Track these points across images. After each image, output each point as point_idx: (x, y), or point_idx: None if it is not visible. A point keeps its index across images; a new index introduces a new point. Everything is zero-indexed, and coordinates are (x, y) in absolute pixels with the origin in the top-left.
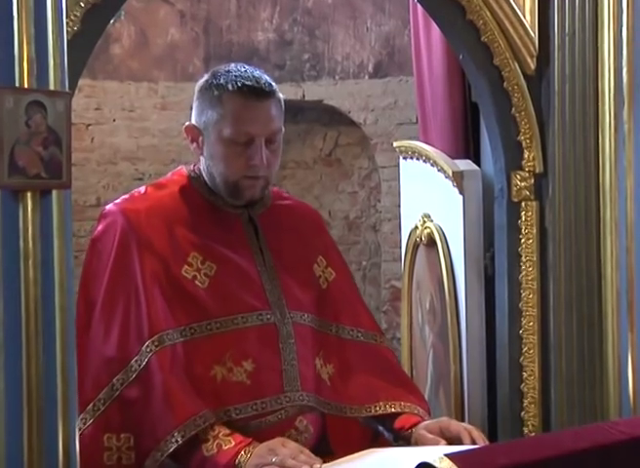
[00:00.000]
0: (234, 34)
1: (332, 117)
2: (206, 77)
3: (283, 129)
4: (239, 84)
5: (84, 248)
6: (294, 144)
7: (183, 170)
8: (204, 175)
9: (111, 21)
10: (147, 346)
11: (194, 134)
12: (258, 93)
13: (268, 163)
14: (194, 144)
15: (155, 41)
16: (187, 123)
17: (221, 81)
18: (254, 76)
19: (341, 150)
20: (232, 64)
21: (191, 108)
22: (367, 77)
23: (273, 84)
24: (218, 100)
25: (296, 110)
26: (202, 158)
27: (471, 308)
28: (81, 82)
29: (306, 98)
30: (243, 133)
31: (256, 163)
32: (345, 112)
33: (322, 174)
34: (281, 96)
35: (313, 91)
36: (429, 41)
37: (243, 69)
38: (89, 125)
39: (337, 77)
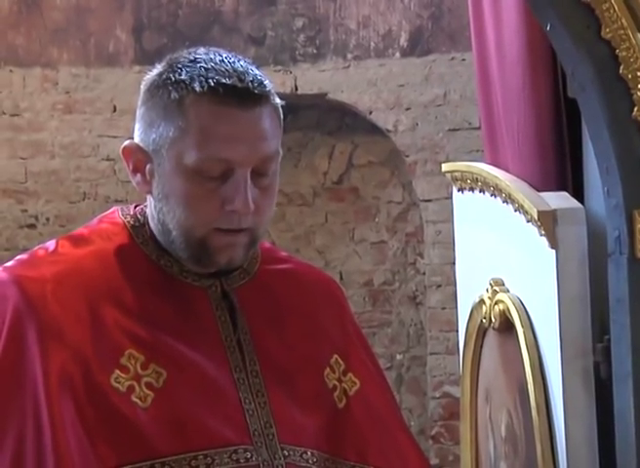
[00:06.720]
0: None
1: (342, 121)
2: (158, 69)
3: (281, 152)
4: (212, 82)
5: None
6: (281, 166)
7: (118, 215)
8: (151, 224)
9: None
10: None
11: (138, 159)
12: (242, 97)
13: (257, 207)
14: (137, 176)
15: (52, 2)
16: (127, 142)
17: (183, 76)
18: (235, 70)
19: (359, 174)
20: (201, 49)
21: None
22: (398, 55)
23: (266, 82)
24: (177, 108)
25: (283, 111)
26: (149, 198)
27: (575, 433)
28: None
29: (300, 91)
30: (217, 159)
31: (236, 207)
32: (364, 112)
33: (327, 212)
34: (278, 101)
35: (311, 79)
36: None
37: (218, 58)
38: None
39: (349, 56)
